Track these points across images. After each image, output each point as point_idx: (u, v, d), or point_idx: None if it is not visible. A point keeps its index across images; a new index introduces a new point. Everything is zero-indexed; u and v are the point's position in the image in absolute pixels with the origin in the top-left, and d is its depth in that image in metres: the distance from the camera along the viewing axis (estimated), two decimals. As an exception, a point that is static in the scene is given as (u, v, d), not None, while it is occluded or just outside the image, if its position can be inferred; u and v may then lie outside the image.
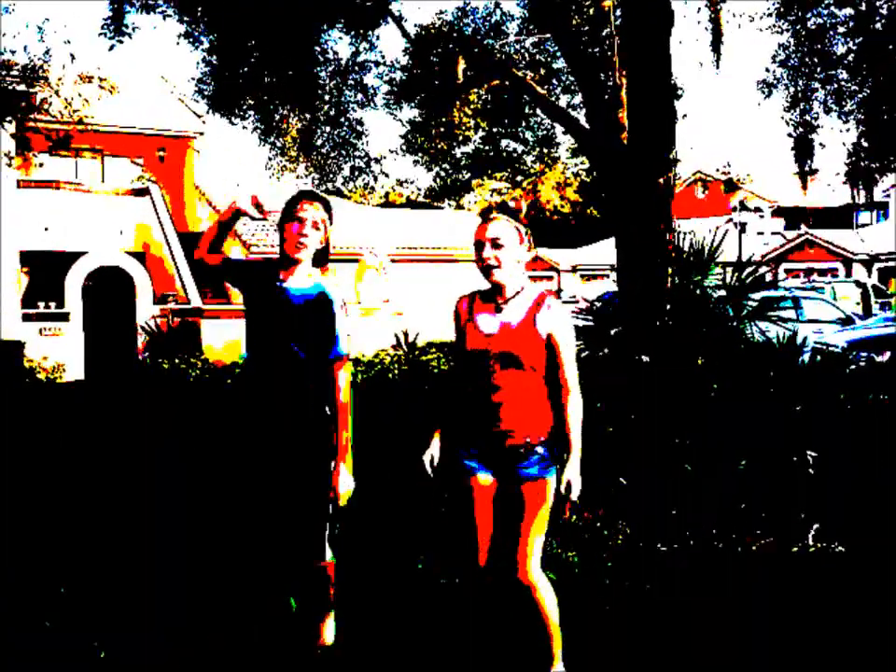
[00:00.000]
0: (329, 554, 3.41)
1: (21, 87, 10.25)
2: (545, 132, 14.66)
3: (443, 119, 12.78)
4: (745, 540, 4.27)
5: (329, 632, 3.46)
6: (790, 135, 11.02)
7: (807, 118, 10.91)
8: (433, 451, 3.14)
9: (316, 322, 3.33)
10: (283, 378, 3.34)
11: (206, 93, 11.60)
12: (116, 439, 7.35)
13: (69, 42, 12.77)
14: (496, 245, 2.99)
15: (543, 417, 3.00)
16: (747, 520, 4.48)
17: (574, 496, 2.93)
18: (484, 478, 3.04)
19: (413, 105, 13.01)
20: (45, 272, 17.47)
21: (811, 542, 4.28)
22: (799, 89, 10.77)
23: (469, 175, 40.68)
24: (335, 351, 3.35)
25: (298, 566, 3.45)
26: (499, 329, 2.99)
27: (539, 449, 2.97)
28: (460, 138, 13.62)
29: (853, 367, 6.44)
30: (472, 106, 12.65)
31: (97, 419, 8.50)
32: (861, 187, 15.48)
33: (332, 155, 13.09)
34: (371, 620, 3.71)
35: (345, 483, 3.33)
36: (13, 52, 9.61)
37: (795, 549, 4.21)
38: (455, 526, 3.20)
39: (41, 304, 17.27)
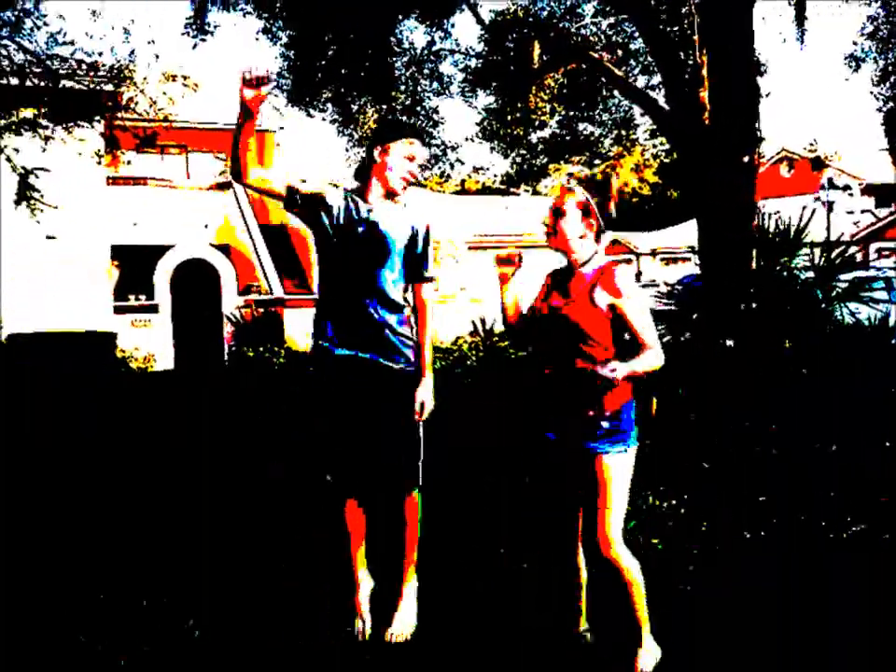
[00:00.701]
0: (420, 479, 3.46)
1: (109, 87, 10.59)
2: (623, 114, 14.42)
3: (519, 105, 12.70)
4: (835, 527, 4.18)
5: (408, 605, 3.48)
6: (879, 110, 10.62)
7: (898, 91, 10.50)
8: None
9: (402, 248, 3.40)
10: (375, 293, 3.37)
11: (285, 87, 11.81)
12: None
13: (153, 42, 13.19)
14: (557, 212, 3.06)
15: (610, 393, 2.95)
16: (838, 506, 4.38)
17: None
18: (562, 452, 3.06)
19: (488, 91, 12.97)
20: (134, 265, 18.10)
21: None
22: (889, 62, 10.37)
23: (545, 159, 40.27)
24: (422, 272, 3.45)
25: (388, 497, 3.51)
26: (562, 304, 3.02)
27: (605, 423, 2.95)
28: (536, 123, 13.51)
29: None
30: (548, 91, 12.55)
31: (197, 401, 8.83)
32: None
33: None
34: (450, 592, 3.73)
35: (427, 398, 3.39)
36: (100, 54, 9.92)
37: (887, 536, 4.10)
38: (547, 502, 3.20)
39: (132, 297, 17.90)
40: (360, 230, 3.37)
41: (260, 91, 3.06)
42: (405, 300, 3.46)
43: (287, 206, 3.42)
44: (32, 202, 10.05)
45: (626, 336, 2.97)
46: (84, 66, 9.96)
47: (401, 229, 3.42)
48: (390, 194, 3.41)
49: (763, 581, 3.72)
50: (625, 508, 3.03)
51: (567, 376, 2.98)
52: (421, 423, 3.46)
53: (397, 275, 3.41)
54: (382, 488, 3.54)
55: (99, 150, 11.55)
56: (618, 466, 2.97)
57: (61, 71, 9.87)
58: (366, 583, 3.60)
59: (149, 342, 17.19)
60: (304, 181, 3.47)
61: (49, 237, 14.68)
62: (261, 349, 14.09)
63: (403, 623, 3.46)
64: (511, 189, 42.32)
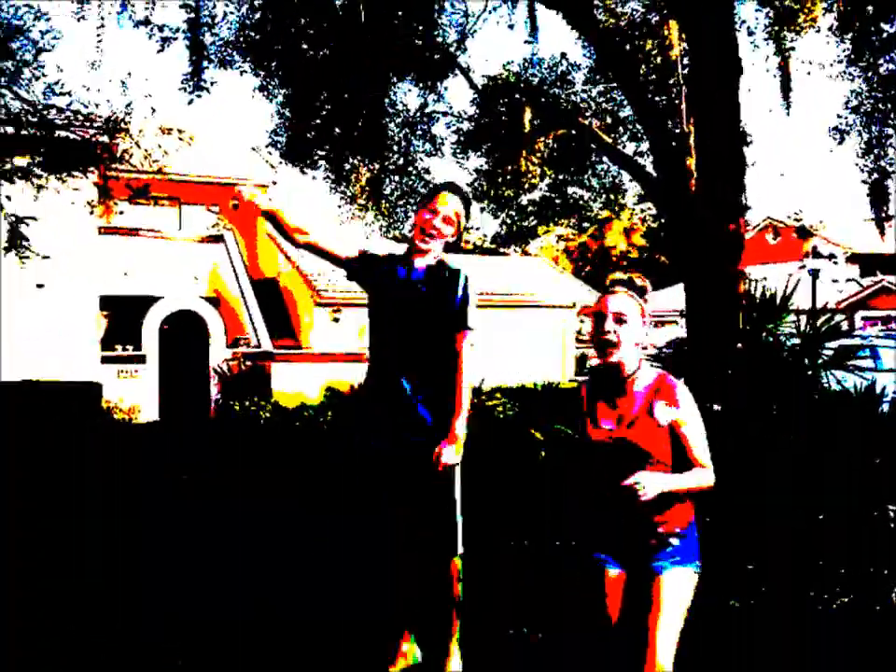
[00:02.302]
0: (461, 547, 3.35)
1: (104, 138, 10.69)
2: (612, 179, 14.67)
3: (510, 168, 12.90)
4: (824, 597, 4.12)
5: (455, 662, 3.38)
6: (864, 182, 10.82)
7: (882, 164, 10.71)
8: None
9: (440, 295, 3.35)
10: (407, 355, 3.34)
11: (279, 144, 11.96)
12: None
13: (150, 95, 13.33)
14: (619, 320, 2.75)
15: (677, 509, 2.79)
16: (825, 576, 4.33)
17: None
18: (614, 572, 2.81)
19: (480, 153, 13.17)
20: (123, 315, 18.06)
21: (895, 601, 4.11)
22: (873, 135, 10.59)
23: (535, 221, 40.85)
24: (459, 323, 3.34)
25: (425, 566, 3.39)
26: (617, 421, 2.79)
27: (674, 541, 2.76)
28: (527, 186, 13.69)
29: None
30: (539, 155, 12.75)
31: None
32: (939, 233, 15.03)
33: (401, 203, 13.31)
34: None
35: (450, 452, 3.23)
36: (97, 105, 10.04)
37: (878, 607, 4.05)
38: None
39: (119, 347, 17.81)
40: (396, 289, 3.42)
41: (258, 204, 3.40)
42: (441, 355, 3.36)
43: (349, 277, 3.60)
44: (21, 249, 10.06)
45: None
46: (80, 117, 10.07)
47: (436, 282, 3.40)
48: (417, 250, 3.43)
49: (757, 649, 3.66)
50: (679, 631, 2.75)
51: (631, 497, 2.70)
52: (456, 484, 3.35)
53: (432, 330, 3.36)
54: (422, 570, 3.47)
55: (92, 200, 11.62)
56: (679, 584, 2.75)
57: (57, 121, 9.97)
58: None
59: (135, 392, 17.07)
60: (364, 251, 3.59)
61: (38, 285, 14.66)
62: (248, 403, 14.00)
63: None
64: (502, 250, 42.71)
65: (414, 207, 13.39)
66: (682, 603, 2.74)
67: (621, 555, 2.80)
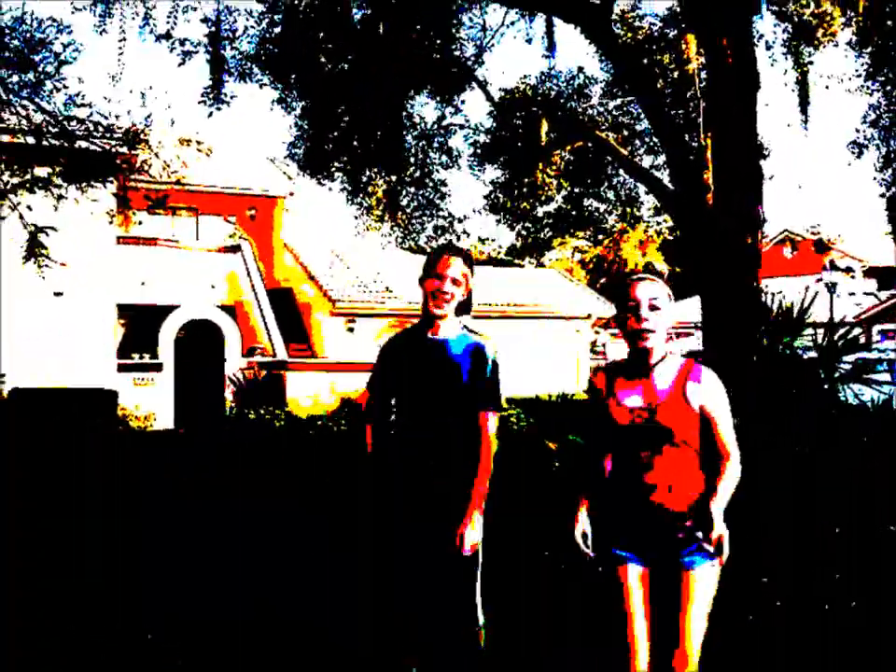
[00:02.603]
0: (481, 618, 3.26)
1: (124, 149, 10.78)
2: (628, 191, 14.69)
3: (526, 180, 12.94)
4: (829, 606, 4.10)
5: None
6: (882, 195, 10.78)
7: (901, 177, 10.67)
8: (584, 525, 2.85)
9: (466, 372, 3.27)
10: (433, 430, 3.27)
11: (297, 156, 12.04)
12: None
13: (169, 107, 13.45)
14: (653, 307, 2.72)
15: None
16: (833, 586, 4.31)
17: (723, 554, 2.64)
18: (636, 568, 2.78)
19: (496, 166, 13.22)
20: (140, 324, 18.18)
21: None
22: (891, 149, 10.56)
23: (550, 233, 40.84)
24: (484, 402, 3.26)
25: (442, 635, 3.26)
26: (645, 403, 2.74)
27: (699, 534, 2.70)
28: (543, 198, 13.73)
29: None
30: (555, 167, 12.78)
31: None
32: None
33: (417, 214, 13.36)
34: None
35: (472, 534, 3.16)
36: (117, 117, 10.13)
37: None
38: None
39: (136, 355, 17.92)
40: (413, 363, 3.35)
41: None
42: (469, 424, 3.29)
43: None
44: (40, 258, 10.15)
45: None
46: (100, 128, 10.15)
47: (456, 353, 3.30)
48: (434, 316, 3.34)
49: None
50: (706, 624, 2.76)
51: (650, 480, 2.72)
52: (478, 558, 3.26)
53: (451, 403, 3.28)
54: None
55: (111, 210, 11.71)
56: (708, 577, 2.74)
57: (77, 132, 10.07)
58: None
59: (151, 400, 17.16)
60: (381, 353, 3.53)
61: (56, 293, 14.79)
62: (262, 411, 14.05)
63: None
64: (517, 261, 42.73)
65: (430, 218, 13.44)
66: (710, 596, 2.74)
67: (643, 550, 2.77)
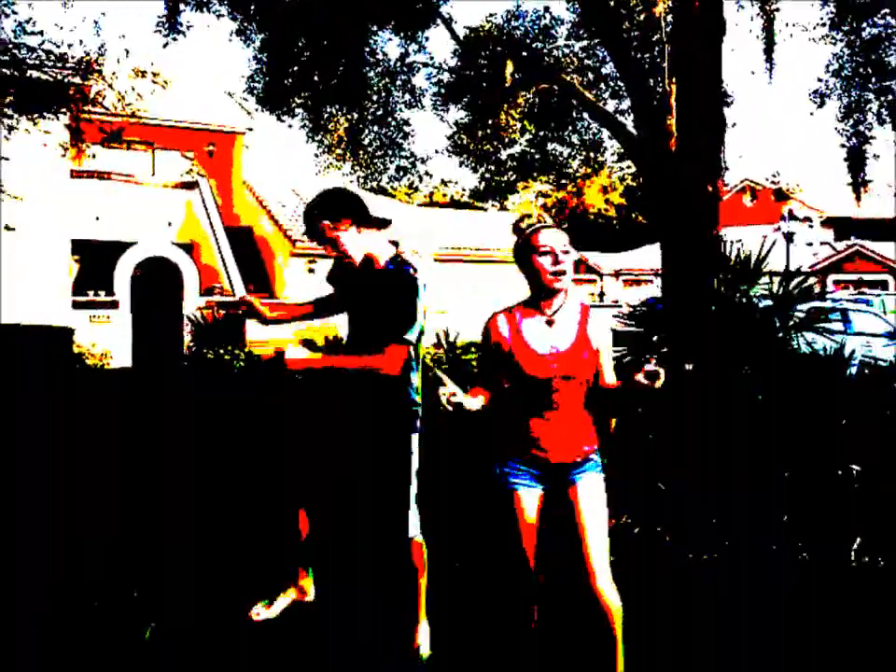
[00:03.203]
0: (413, 530, 3.32)
1: (77, 79, 10.43)
2: (592, 136, 14.60)
3: (490, 121, 12.81)
4: (786, 552, 4.24)
5: (423, 635, 3.35)
6: (843, 146, 10.86)
7: (861, 128, 10.75)
8: (459, 394, 2.85)
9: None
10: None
11: (256, 91, 11.77)
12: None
13: (124, 37, 13.01)
14: (566, 251, 2.88)
15: (593, 428, 2.95)
16: (788, 531, 4.45)
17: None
18: (531, 491, 2.93)
19: (460, 106, 13.05)
20: (95, 260, 17.83)
21: (853, 557, 4.23)
22: (853, 99, 10.62)
23: (514, 176, 40.59)
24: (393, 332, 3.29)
25: (382, 544, 3.44)
26: (555, 348, 2.88)
27: (594, 456, 2.95)
28: (506, 140, 13.62)
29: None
30: (519, 109, 12.66)
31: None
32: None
33: (378, 154, 13.20)
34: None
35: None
36: (69, 45, 9.79)
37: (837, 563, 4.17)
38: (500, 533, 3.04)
39: (91, 292, 17.63)
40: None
41: (248, 306, 3.61)
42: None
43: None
44: (-7, 190, 9.87)
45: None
46: (52, 57, 9.81)
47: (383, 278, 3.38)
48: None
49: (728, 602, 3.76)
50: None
51: (551, 417, 2.87)
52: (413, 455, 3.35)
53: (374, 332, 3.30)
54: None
55: (64, 142, 11.39)
56: (602, 488, 2.93)
57: (28, 61, 9.72)
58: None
59: (108, 338, 16.93)
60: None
61: (7, 228, 14.42)
62: (221, 351, 13.96)
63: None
64: (479, 204, 42.53)
65: (393, 158, 13.29)
66: (605, 504, 2.93)
67: (542, 476, 2.93)
